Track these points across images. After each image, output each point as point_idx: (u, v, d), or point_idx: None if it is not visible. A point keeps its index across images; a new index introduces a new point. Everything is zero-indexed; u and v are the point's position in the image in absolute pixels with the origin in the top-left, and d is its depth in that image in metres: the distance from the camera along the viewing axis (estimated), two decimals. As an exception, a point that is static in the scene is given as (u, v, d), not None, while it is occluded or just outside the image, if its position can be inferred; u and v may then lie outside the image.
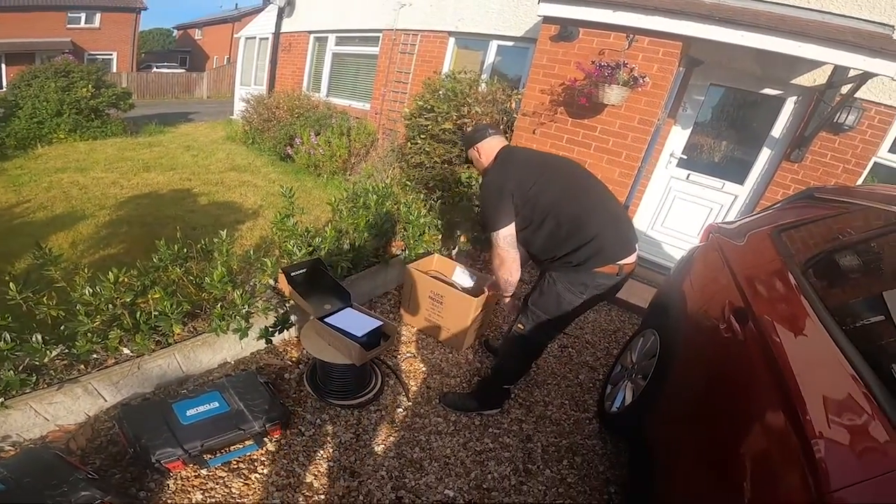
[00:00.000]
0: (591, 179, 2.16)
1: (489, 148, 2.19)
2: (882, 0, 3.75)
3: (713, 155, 4.84)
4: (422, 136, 4.98)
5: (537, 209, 1.99)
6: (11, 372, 1.76)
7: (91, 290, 1.99)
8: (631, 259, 2.02)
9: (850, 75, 3.68)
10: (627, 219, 2.13)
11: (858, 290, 1.64)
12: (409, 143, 5.29)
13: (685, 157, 4.79)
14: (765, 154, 4.45)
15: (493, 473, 2.10)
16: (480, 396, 2.43)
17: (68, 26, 21.12)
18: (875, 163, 4.10)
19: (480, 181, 2.23)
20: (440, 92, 4.95)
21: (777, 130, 4.36)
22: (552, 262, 2.06)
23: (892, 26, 3.76)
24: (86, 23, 21.69)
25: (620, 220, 2.06)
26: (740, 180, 4.59)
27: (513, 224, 2.02)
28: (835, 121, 3.87)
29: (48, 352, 1.87)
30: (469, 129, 2.34)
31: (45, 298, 1.94)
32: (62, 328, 1.95)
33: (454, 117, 4.61)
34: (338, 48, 8.29)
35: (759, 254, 2.05)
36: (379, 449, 2.13)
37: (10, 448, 1.78)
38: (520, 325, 2.18)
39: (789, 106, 4.27)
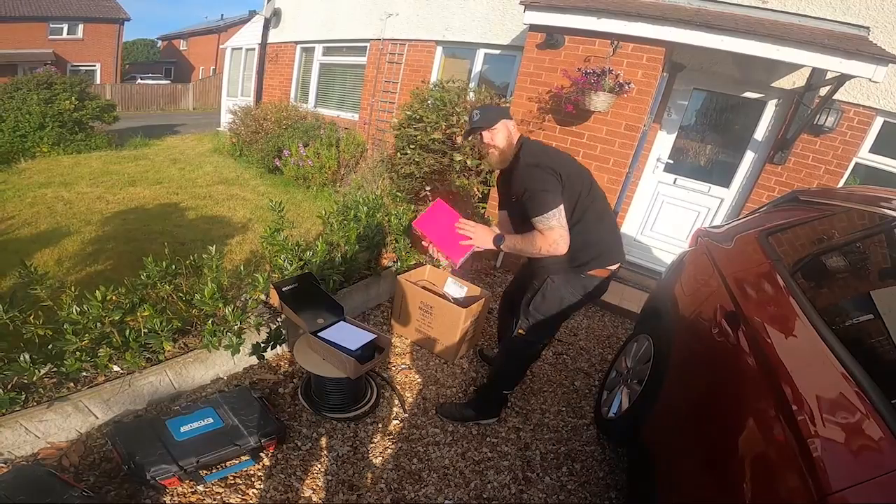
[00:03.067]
0: (597, 184, 2.08)
1: (510, 132, 1.99)
2: (856, 2, 3.85)
3: (699, 159, 4.92)
4: (411, 147, 4.99)
5: (570, 207, 1.90)
6: (0, 390, 1.74)
7: (78, 309, 1.96)
8: (618, 264, 2.11)
9: (827, 77, 3.77)
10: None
11: (846, 290, 1.67)
12: (398, 154, 5.30)
13: (671, 161, 4.86)
14: (749, 157, 4.53)
15: (492, 483, 2.10)
16: (478, 405, 2.43)
17: (50, 37, 20.94)
18: (856, 163, 4.18)
19: (521, 165, 1.92)
20: (428, 101, 4.97)
21: (759, 133, 4.44)
22: (555, 262, 1.98)
23: (867, 28, 3.86)
24: (68, 34, 21.52)
25: (616, 226, 2.15)
26: (726, 183, 4.66)
27: (563, 208, 1.85)
28: (815, 123, 3.96)
29: (36, 370, 1.85)
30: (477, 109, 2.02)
31: (31, 317, 1.91)
32: (50, 347, 1.92)
33: (443, 127, 4.63)
34: (325, 58, 8.30)
35: (747, 257, 2.08)
36: (377, 461, 2.11)
37: (2, 465, 1.76)
38: (521, 331, 2.16)
39: (770, 109, 4.36)
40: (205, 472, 1.87)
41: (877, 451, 0.98)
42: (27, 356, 1.82)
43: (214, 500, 1.80)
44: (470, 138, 2.08)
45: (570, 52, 4.08)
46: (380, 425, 2.32)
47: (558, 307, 2.08)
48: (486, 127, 1.96)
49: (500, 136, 1.97)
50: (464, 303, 2.91)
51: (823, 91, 3.82)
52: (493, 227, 2.11)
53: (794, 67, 3.99)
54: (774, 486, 1.09)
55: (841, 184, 4.18)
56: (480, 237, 2.03)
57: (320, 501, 1.88)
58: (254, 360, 2.55)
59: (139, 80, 24.54)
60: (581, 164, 2.10)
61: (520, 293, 2.27)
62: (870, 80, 3.19)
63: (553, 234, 1.82)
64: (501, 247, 2.00)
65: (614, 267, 2.07)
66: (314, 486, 1.93)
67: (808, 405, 1.15)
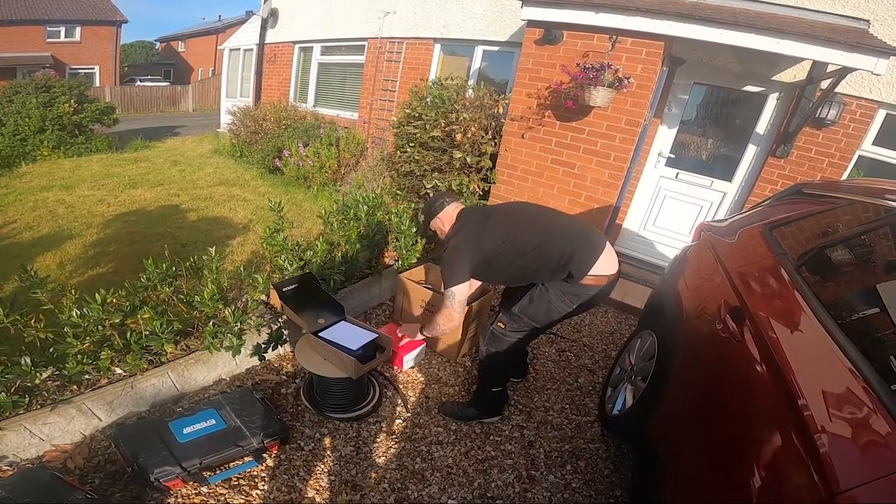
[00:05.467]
0: (544, 211, 2.33)
1: (449, 216, 2.31)
2: (856, -5, 3.83)
3: (700, 153, 4.89)
4: (411, 145, 4.98)
5: (503, 258, 2.11)
6: (3, 394, 1.75)
7: (78, 313, 1.96)
8: (615, 269, 2.11)
9: (828, 70, 3.75)
10: (592, 229, 2.23)
11: (852, 284, 1.65)
12: (398, 152, 5.29)
13: (673, 155, 4.83)
14: (751, 151, 4.51)
15: (496, 481, 2.09)
16: (480, 404, 2.42)
17: (48, 40, 20.96)
18: (860, 156, 4.16)
19: (446, 246, 2.26)
20: (427, 99, 4.95)
21: (761, 127, 4.42)
22: (546, 274, 2.10)
23: (867, 20, 3.83)
24: (66, 37, 21.54)
25: (583, 231, 2.15)
26: (728, 177, 4.64)
27: (468, 283, 2.15)
28: (817, 116, 3.93)
29: (38, 374, 1.85)
30: (429, 197, 2.50)
31: (32, 321, 1.91)
32: (51, 350, 1.92)
33: (442, 124, 4.61)
34: (323, 58, 8.28)
35: (751, 251, 2.07)
36: (380, 461, 2.10)
37: (7, 468, 1.76)
38: (500, 325, 2.20)
39: (772, 102, 4.33)
40: (208, 473, 1.87)
41: (885, 448, 0.96)
42: (28, 359, 1.82)
43: (218, 501, 1.80)
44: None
45: (568, 48, 4.06)
46: (382, 425, 2.31)
47: (545, 312, 2.12)
48: (428, 221, 2.42)
49: (437, 231, 2.40)
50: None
51: (825, 84, 3.80)
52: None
53: (795, 61, 3.97)
54: (781, 484, 1.08)
55: (844, 176, 4.16)
56: (410, 332, 2.57)
57: (324, 502, 1.87)
58: (256, 360, 2.54)
59: (138, 83, 24.54)
60: (515, 206, 2.53)
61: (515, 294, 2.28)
62: (871, 72, 3.16)
63: (447, 311, 2.17)
64: (424, 333, 2.44)
65: (607, 273, 2.05)
66: (317, 487, 1.93)
67: (814, 401, 1.13)
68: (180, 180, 7.16)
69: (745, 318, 1.59)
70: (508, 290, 2.59)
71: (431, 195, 2.41)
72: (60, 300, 2.01)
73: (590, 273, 2.01)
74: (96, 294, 2.01)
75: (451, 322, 2.20)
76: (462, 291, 2.13)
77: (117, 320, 2.06)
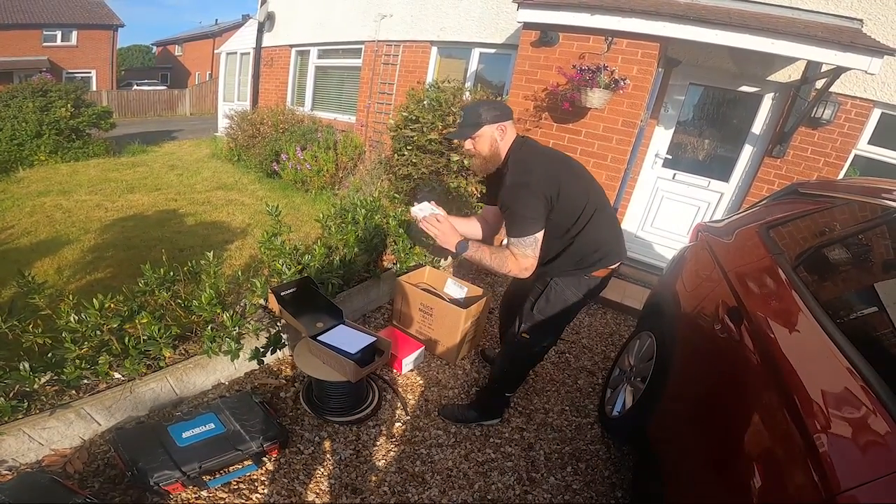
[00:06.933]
0: (595, 181, 2.07)
1: (509, 133, 1.89)
2: (849, -6, 3.85)
3: (697, 154, 4.91)
4: (408, 148, 4.99)
5: (567, 212, 1.85)
6: (2, 398, 1.74)
7: (76, 318, 1.96)
8: (618, 262, 2.07)
9: (823, 70, 3.77)
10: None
11: (849, 283, 1.66)
12: (395, 155, 5.29)
13: (670, 156, 4.85)
14: (747, 151, 4.53)
15: (496, 484, 2.09)
16: (480, 406, 2.41)
17: (44, 44, 20.96)
18: (855, 155, 4.18)
19: (510, 176, 1.82)
20: (424, 102, 4.96)
21: (757, 127, 4.44)
22: (559, 265, 1.99)
23: (861, 20, 3.86)
24: (62, 41, 21.53)
25: (617, 222, 2.10)
26: (725, 178, 4.65)
27: (543, 229, 1.81)
28: (812, 115, 3.95)
29: (37, 378, 1.85)
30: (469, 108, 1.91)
31: (30, 326, 1.91)
32: (50, 355, 1.92)
33: (439, 127, 4.62)
34: (320, 61, 8.29)
35: (748, 251, 2.07)
36: (380, 464, 2.10)
37: (6, 472, 1.75)
38: (525, 335, 2.11)
39: (767, 102, 4.35)
40: (208, 477, 1.86)
41: (885, 448, 0.96)
42: (27, 364, 1.81)
43: (218, 506, 1.79)
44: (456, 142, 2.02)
45: (564, 50, 4.07)
46: (382, 428, 2.31)
47: (563, 309, 2.04)
48: (467, 135, 1.89)
49: (484, 143, 1.88)
50: (464, 304, 2.90)
51: (820, 84, 3.82)
52: (455, 228, 2.02)
53: (790, 61, 3.99)
54: (782, 485, 1.08)
55: (841, 176, 4.17)
56: (444, 237, 1.94)
57: (324, 506, 1.87)
58: (254, 365, 2.54)
59: (135, 87, 24.48)
60: (577, 161, 2.11)
61: (521, 294, 2.22)
62: (865, 72, 3.18)
63: (526, 261, 1.82)
64: (465, 254, 1.91)
65: (616, 266, 2.05)
66: (317, 490, 1.93)
67: (813, 401, 1.14)
68: (178, 185, 7.15)
69: (743, 319, 1.60)
70: (509, 293, 2.56)
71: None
72: (58, 305, 2.00)
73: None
74: (94, 299, 2.00)
75: (524, 272, 1.84)
76: (541, 238, 1.80)
77: (115, 325, 2.05)
